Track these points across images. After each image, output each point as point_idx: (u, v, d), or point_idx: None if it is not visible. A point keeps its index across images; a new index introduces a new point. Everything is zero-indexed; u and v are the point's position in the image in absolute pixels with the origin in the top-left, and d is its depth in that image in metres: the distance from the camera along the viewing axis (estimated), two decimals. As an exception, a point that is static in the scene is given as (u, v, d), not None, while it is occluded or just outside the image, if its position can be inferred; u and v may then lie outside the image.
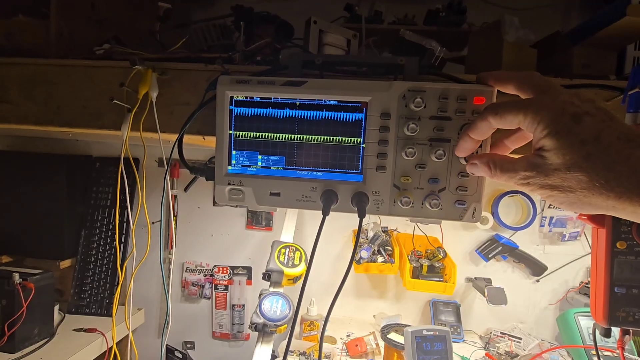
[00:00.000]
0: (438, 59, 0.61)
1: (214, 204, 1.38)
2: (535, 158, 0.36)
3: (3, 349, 1.00)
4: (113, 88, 0.63)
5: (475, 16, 0.94)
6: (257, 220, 1.37)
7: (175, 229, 1.37)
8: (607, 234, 0.50)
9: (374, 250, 1.21)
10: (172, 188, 1.34)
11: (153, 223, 1.31)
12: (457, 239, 1.31)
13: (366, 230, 1.26)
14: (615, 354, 0.90)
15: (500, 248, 1.25)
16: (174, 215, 1.35)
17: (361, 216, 0.49)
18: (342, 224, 1.34)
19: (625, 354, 0.52)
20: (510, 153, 0.47)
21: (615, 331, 0.52)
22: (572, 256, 1.27)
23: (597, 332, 0.53)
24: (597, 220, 0.50)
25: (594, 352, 0.92)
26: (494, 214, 1.26)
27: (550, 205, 1.26)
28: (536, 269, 1.26)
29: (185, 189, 1.36)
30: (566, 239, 1.27)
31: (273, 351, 0.85)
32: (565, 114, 0.34)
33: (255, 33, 0.84)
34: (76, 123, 0.64)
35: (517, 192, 1.24)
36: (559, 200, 0.36)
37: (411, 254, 1.26)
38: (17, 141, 1.38)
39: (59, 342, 1.09)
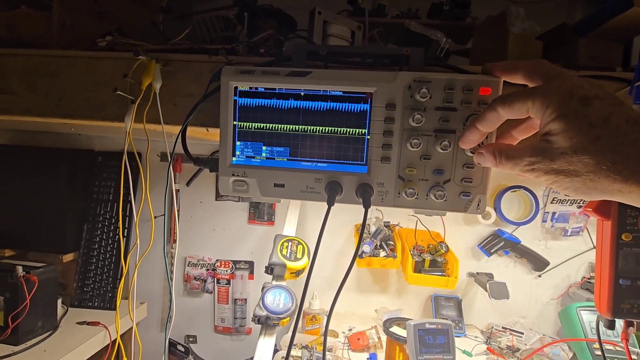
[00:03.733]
0: (443, 50, 0.60)
1: (216, 198, 1.38)
2: (541, 143, 0.36)
3: (7, 342, 1.00)
4: (116, 79, 0.63)
5: (479, 10, 0.94)
6: (259, 214, 1.37)
7: (178, 223, 1.37)
8: (612, 226, 0.50)
9: (376, 244, 1.21)
10: (174, 182, 1.34)
11: (156, 217, 1.31)
12: (460, 234, 1.31)
13: (368, 225, 1.26)
14: (618, 348, 0.90)
15: (502, 243, 1.25)
16: (176, 210, 1.35)
17: (366, 206, 0.48)
18: (344, 219, 1.34)
19: (629, 346, 0.52)
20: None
21: (618, 324, 0.52)
22: (574, 251, 1.27)
23: (601, 325, 0.53)
24: (602, 212, 0.50)
25: (596, 345, 0.92)
26: (497, 209, 1.26)
27: (553, 200, 1.25)
28: (538, 264, 1.26)
29: (188, 184, 1.36)
30: (568, 234, 1.26)
31: (275, 345, 0.85)
32: (574, 97, 0.33)
33: (258, 26, 0.84)
34: (79, 114, 0.64)
35: (519, 187, 1.24)
36: (564, 185, 0.35)
37: (413, 248, 1.26)
38: (18, 135, 1.38)
39: (62, 335, 1.10)
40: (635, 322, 0.50)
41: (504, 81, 0.47)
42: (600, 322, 0.53)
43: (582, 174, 0.33)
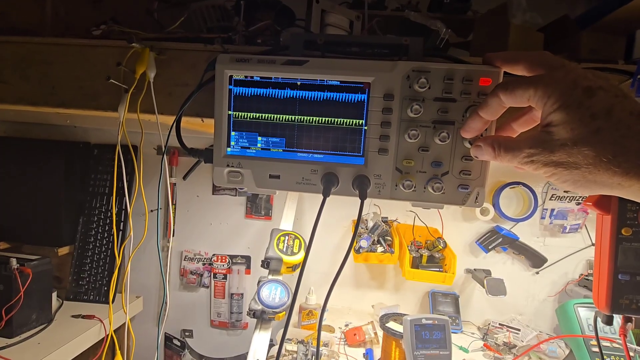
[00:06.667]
0: (443, 41, 0.59)
1: (213, 192, 1.37)
2: (541, 134, 0.35)
3: (1, 334, 1.00)
4: (110, 68, 0.61)
5: (480, 3, 0.92)
6: (257, 209, 1.37)
7: (174, 217, 1.36)
8: (612, 220, 0.49)
9: (374, 240, 1.20)
10: (170, 176, 1.33)
11: (152, 211, 1.30)
12: (458, 230, 1.30)
13: (366, 220, 1.25)
14: (614, 344, 0.90)
15: (500, 239, 1.24)
16: (172, 204, 1.35)
17: (362, 198, 0.48)
18: (341, 214, 1.33)
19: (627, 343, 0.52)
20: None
21: (615, 322, 0.51)
22: (572, 249, 1.27)
23: (599, 321, 0.52)
24: (602, 206, 0.50)
25: (593, 342, 0.92)
26: (495, 205, 1.25)
27: (551, 197, 1.25)
28: (536, 261, 1.26)
29: (184, 177, 1.35)
30: (567, 231, 1.26)
31: (271, 340, 0.85)
32: (577, 87, 0.33)
33: (255, 17, 0.82)
34: (72, 104, 0.63)
35: (518, 183, 1.23)
36: (563, 178, 0.35)
37: (411, 244, 1.25)
38: (14, 127, 1.36)
39: (57, 328, 1.09)
40: (633, 318, 0.50)
41: (505, 72, 0.46)
42: (598, 318, 0.53)
43: (581, 166, 0.33)
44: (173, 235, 1.36)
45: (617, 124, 0.31)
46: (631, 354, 0.91)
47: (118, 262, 0.87)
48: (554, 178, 0.35)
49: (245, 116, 0.51)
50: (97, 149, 1.34)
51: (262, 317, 0.80)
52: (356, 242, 1.17)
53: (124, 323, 1.22)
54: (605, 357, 0.89)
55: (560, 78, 0.34)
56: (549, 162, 0.34)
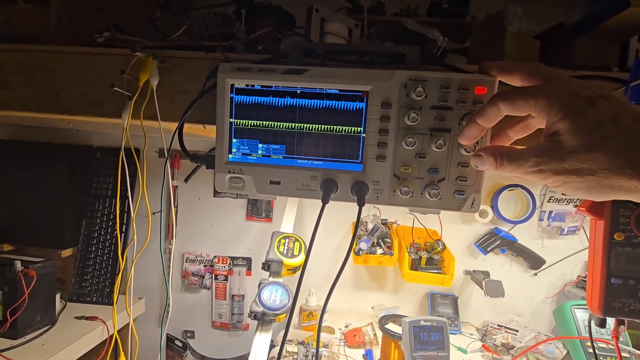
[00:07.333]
0: (440, 49, 0.60)
1: (214, 194, 1.39)
2: (548, 143, 0.35)
3: (5, 335, 1.01)
4: (113, 76, 0.63)
5: (479, 8, 0.93)
6: (257, 211, 1.38)
7: (176, 219, 1.37)
8: (605, 225, 0.50)
9: (373, 242, 1.21)
10: (172, 179, 1.34)
11: (154, 213, 1.31)
12: (456, 232, 1.31)
13: (365, 222, 1.26)
14: (610, 345, 0.91)
15: (499, 241, 1.25)
16: (174, 206, 1.36)
17: (360, 205, 0.49)
18: (341, 217, 1.35)
19: (619, 344, 0.53)
20: (511, 144, 0.47)
21: (610, 322, 0.52)
22: (570, 250, 1.28)
23: (593, 323, 0.54)
24: (595, 211, 0.51)
25: (589, 343, 0.93)
26: (494, 207, 1.26)
27: (549, 199, 1.26)
28: (534, 262, 1.27)
29: (186, 180, 1.36)
30: (565, 233, 1.27)
31: (272, 341, 0.86)
32: (579, 97, 0.33)
33: (256, 23, 0.84)
34: (76, 110, 0.64)
35: (517, 185, 1.24)
36: (576, 185, 0.34)
37: (410, 246, 1.27)
38: (17, 130, 1.38)
39: (61, 329, 1.10)
40: (626, 321, 0.51)
41: (500, 81, 0.47)
42: (592, 320, 0.54)
43: (596, 172, 0.33)
44: (175, 237, 1.38)
45: (624, 129, 0.32)
46: (625, 354, 0.92)
47: (122, 264, 0.89)
48: (565, 187, 0.35)
49: (247, 124, 0.53)
50: (99, 152, 1.35)
51: (263, 319, 0.82)
52: (356, 244, 1.19)
53: (127, 324, 1.24)
54: (601, 358, 0.90)
55: (559, 88, 0.35)
56: (559, 170, 0.34)
